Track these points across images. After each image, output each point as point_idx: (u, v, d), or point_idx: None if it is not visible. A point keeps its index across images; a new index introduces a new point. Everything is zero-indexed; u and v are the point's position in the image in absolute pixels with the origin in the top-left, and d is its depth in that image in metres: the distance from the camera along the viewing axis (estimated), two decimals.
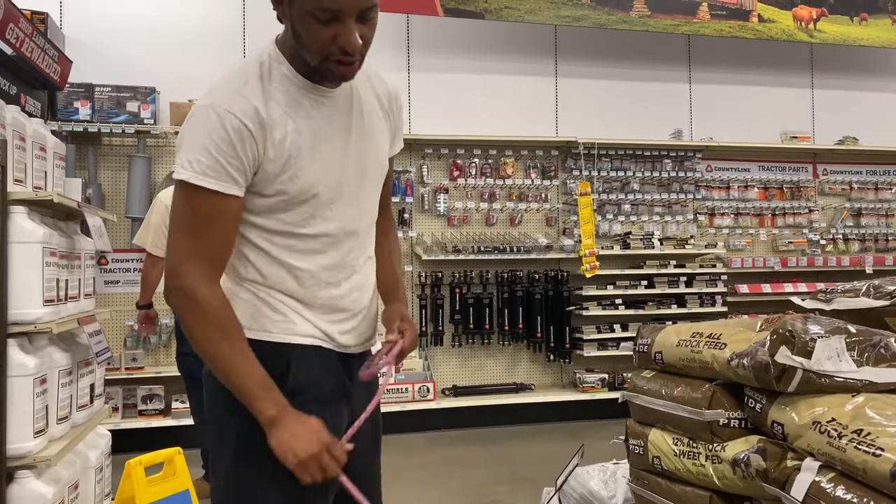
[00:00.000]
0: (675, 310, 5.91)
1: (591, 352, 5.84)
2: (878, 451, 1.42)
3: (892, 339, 1.76)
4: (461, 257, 5.68)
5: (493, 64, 6.09)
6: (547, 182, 6.04)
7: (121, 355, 5.06)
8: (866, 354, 1.71)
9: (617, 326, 5.90)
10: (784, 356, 1.66)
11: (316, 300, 1.45)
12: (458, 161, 5.89)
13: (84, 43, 5.29)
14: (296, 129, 1.39)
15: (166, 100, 5.29)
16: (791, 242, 6.50)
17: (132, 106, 5.17)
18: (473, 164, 5.90)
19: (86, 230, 2.98)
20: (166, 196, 3.62)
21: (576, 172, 6.02)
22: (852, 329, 1.76)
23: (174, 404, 4.95)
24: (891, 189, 6.78)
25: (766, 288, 6.08)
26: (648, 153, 6.18)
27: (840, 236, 6.62)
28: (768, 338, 1.71)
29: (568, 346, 5.88)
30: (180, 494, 2.48)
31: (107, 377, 4.79)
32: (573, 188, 5.95)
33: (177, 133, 5.40)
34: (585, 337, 5.86)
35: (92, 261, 3.04)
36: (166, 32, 5.49)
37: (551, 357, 5.95)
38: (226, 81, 1.39)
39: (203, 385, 1.49)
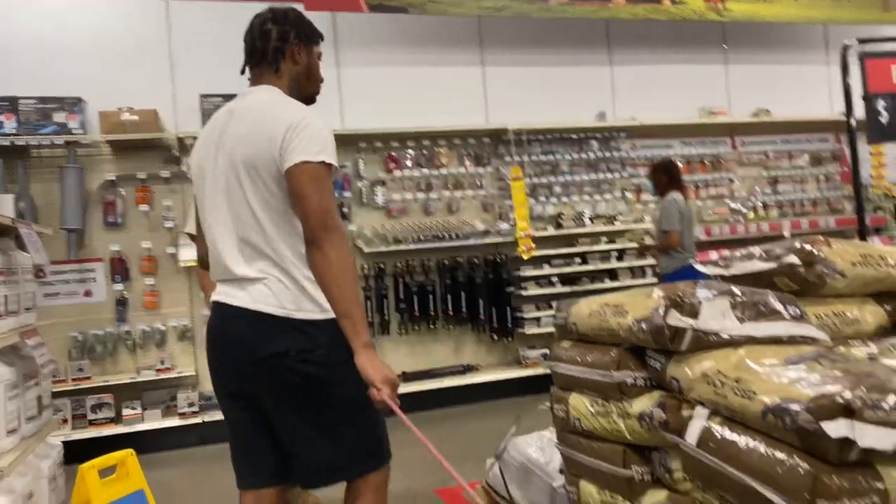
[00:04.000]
0: (608, 283, 6.19)
1: (532, 329, 6.07)
2: (752, 395, 1.63)
3: (771, 297, 1.98)
4: (402, 247, 5.83)
5: (421, 56, 6.22)
6: (481, 169, 6.23)
7: (66, 367, 5.05)
8: (748, 312, 1.92)
9: (555, 303, 6.13)
10: (674, 318, 1.86)
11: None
12: (393, 153, 6.02)
13: (3, 55, 5.22)
14: None
15: (94, 109, 5.27)
16: (714, 213, 6.85)
17: (59, 117, 5.14)
18: (408, 156, 6.04)
19: (21, 245, 3.02)
20: None
21: (507, 158, 6.22)
22: (736, 290, 1.97)
23: (125, 411, 4.98)
24: (803, 156, 7.20)
25: (697, 265, 6.39)
26: (575, 136, 6.43)
27: (760, 204, 7.01)
28: (662, 303, 1.91)
29: (510, 325, 6.11)
30: (135, 494, 2.57)
31: (54, 389, 4.79)
32: (506, 174, 6.15)
33: (108, 142, 5.36)
34: (526, 315, 6.09)
35: (30, 275, 3.08)
36: (90, 42, 5.45)
37: (495, 337, 6.16)
38: (303, 106, 1.98)
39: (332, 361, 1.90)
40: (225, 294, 1.96)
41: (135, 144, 5.30)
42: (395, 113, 5.96)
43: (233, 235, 1.94)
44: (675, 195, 5.11)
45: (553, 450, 2.94)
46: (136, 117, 5.22)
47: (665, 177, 5.21)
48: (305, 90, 2.09)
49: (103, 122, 5.21)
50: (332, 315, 1.87)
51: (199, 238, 2.17)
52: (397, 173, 6.00)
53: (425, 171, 6.06)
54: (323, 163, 1.86)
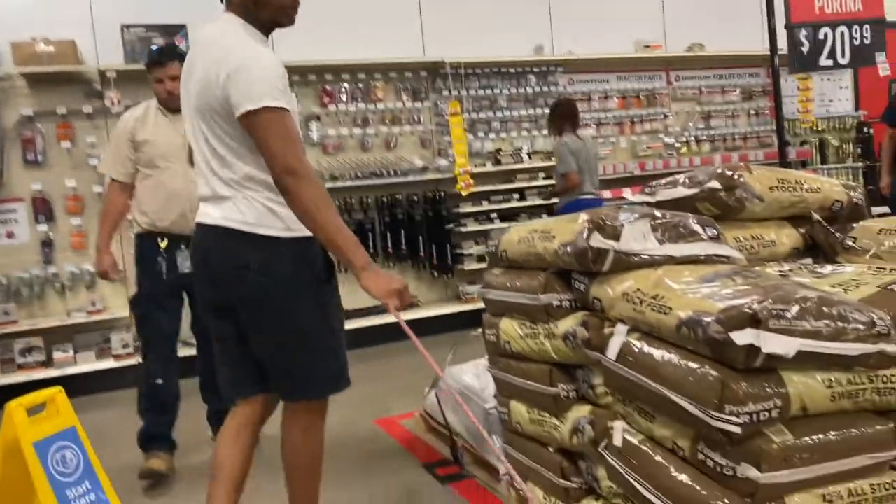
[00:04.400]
0: (546, 219, 6.25)
1: (471, 265, 6.13)
2: (668, 310, 1.70)
3: (690, 219, 2.05)
4: (339, 184, 5.76)
5: None
6: (418, 104, 6.15)
7: None
8: (668, 234, 1.98)
9: None
10: (597, 240, 1.91)
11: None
12: (328, 87, 5.88)
13: None
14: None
15: (5, 40, 4.95)
16: (649, 147, 6.96)
17: None
18: (343, 90, 5.90)
19: None
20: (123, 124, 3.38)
21: (445, 93, 6.15)
22: (657, 213, 2.03)
23: (56, 354, 4.87)
24: (735, 91, 7.34)
25: (627, 192, 6.52)
26: (513, 70, 6.38)
27: (693, 138, 7.15)
28: (586, 226, 1.95)
29: (450, 261, 6.16)
30: (67, 431, 2.53)
31: None
32: (444, 109, 6.09)
33: (23, 75, 5.05)
34: (465, 252, 6.14)
35: None
36: None
37: (435, 274, 6.21)
38: (251, 40, 1.99)
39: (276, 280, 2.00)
40: (204, 214, 2.10)
41: (52, 78, 5.03)
42: (329, 44, 5.75)
43: (210, 157, 2.05)
44: (566, 137, 5.12)
45: (487, 377, 3.02)
46: (51, 48, 4.93)
47: (557, 118, 5.23)
48: (261, 17, 2.03)
49: (16, 54, 4.91)
50: (299, 234, 1.98)
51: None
52: (332, 108, 5.87)
53: (361, 105, 5.94)
54: (267, 108, 1.89)
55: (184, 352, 3.78)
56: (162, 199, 3.26)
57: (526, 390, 2.25)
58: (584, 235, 1.93)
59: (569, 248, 1.98)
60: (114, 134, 3.42)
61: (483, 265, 6.12)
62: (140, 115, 3.34)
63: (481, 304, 6.41)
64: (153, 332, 3.35)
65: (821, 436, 1.60)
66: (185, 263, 3.27)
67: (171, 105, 3.27)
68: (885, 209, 5.23)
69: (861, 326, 1.59)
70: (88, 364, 4.91)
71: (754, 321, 1.52)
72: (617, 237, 1.91)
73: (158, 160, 3.26)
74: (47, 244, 5.12)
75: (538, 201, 6.27)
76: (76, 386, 4.43)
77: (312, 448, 2.17)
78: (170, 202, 3.24)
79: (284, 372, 2.11)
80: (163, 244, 3.28)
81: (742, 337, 1.50)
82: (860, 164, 7.59)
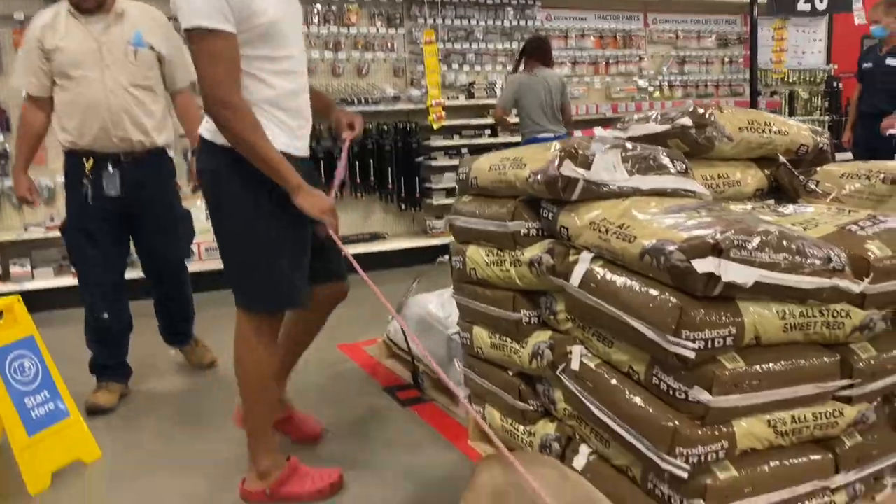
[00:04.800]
0: (518, 148, 6.23)
1: (439, 200, 6.11)
2: (633, 238, 1.72)
3: (660, 152, 2.06)
4: None
5: None
6: (393, 31, 6.00)
7: None
8: (637, 165, 2.00)
9: None
10: (568, 169, 1.91)
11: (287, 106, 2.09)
12: None
13: None
14: None
15: None
16: (622, 90, 6.93)
17: None
18: (316, 11, 5.73)
19: None
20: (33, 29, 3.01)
21: (420, 21, 6.00)
22: (629, 146, 2.04)
23: (13, 269, 4.78)
24: (710, 37, 7.31)
25: (599, 132, 6.51)
26: (491, 2, 6.25)
27: (666, 83, 7.14)
28: (558, 155, 1.95)
29: (418, 195, 6.13)
30: (25, 340, 2.51)
31: None
32: (418, 37, 5.96)
33: None
34: (434, 186, 6.11)
35: None
36: None
37: (403, 207, 6.18)
38: None
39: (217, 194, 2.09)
40: None
41: None
42: None
43: None
44: (519, 74, 5.24)
45: (451, 305, 3.06)
46: None
47: (523, 54, 5.29)
48: None
49: None
50: None
51: None
52: (304, 30, 5.69)
53: (334, 28, 5.77)
54: (200, 28, 1.88)
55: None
56: (80, 113, 2.94)
57: (489, 316, 2.28)
58: (556, 164, 1.93)
59: (539, 176, 1.98)
60: (23, 44, 3.04)
61: (452, 200, 6.09)
62: (49, 20, 2.93)
63: (448, 239, 6.44)
64: (86, 264, 3.08)
65: (771, 364, 1.66)
66: (112, 186, 2.99)
67: (84, 6, 2.90)
68: (849, 155, 5.34)
69: (818, 261, 1.64)
70: (46, 280, 4.83)
71: (716, 250, 1.55)
72: (588, 166, 1.92)
73: (70, 69, 2.90)
74: (3, 156, 4.96)
75: (510, 138, 6.23)
76: (34, 301, 4.36)
77: (256, 362, 2.18)
78: (87, 115, 2.93)
79: (226, 275, 2.19)
80: (88, 164, 2.98)
81: (703, 265, 1.53)
82: (827, 117, 7.69)
